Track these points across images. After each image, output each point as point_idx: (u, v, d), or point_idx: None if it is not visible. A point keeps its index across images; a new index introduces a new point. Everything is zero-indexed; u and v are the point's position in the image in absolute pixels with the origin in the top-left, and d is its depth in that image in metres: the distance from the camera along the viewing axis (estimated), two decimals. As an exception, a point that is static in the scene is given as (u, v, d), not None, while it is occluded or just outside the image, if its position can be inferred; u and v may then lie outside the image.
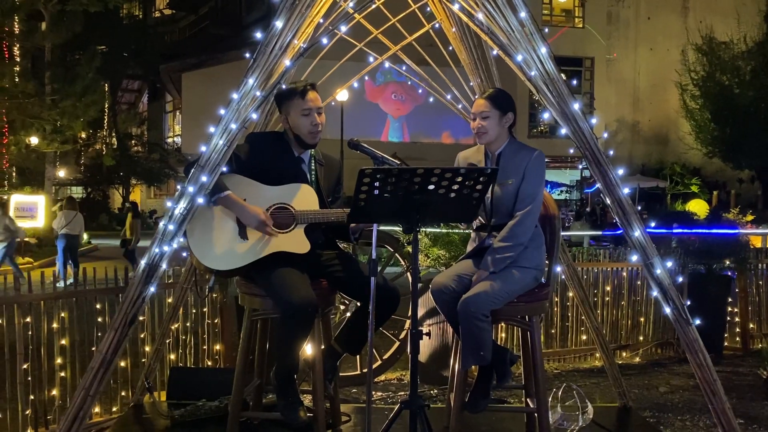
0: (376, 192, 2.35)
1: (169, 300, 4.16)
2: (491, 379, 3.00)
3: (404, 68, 3.90)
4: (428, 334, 2.94)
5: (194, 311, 4.60)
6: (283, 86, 2.94)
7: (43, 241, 17.08)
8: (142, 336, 4.30)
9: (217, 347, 4.71)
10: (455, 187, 2.39)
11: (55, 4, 18.56)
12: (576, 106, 2.87)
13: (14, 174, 19.89)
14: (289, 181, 2.97)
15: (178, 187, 2.77)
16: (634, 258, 2.93)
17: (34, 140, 17.79)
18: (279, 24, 2.72)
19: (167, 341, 4.21)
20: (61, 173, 30.19)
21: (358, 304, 3.11)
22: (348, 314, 4.44)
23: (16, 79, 16.92)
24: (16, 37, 17.79)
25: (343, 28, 3.14)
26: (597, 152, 2.87)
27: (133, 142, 35.21)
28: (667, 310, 2.96)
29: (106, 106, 28.44)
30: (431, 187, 2.36)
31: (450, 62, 3.63)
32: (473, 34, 3.48)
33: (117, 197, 35.98)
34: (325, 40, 3.13)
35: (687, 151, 26.49)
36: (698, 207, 24.70)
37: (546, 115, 2.98)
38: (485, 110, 2.97)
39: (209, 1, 37.89)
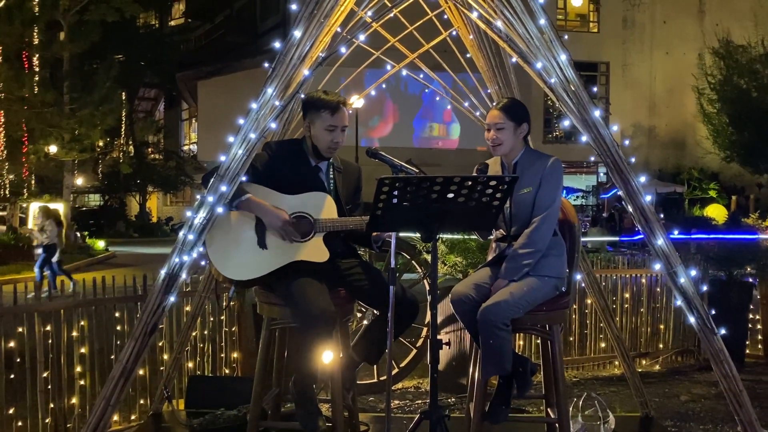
0: (395, 201, 2.35)
1: (188, 308, 4.16)
2: (511, 389, 2.97)
3: (421, 76, 3.90)
4: (448, 343, 2.92)
5: (212, 319, 4.61)
6: (317, 95, 2.93)
7: (62, 249, 17.22)
8: (160, 344, 4.31)
9: (235, 355, 4.71)
10: (474, 195, 2.38)
11: (74, 14, 18.82)
12: (597, 113, 2.85)
13: (33, 182, 20.13)
14: (307, 190, 2.97)
15: (197, 196, 2.79)
16: (657, 267, 2.89)
17: (53, 149, 18.00)
18: (297, 34, 2.73)
19: (186, 349, 4.21)
20: (79, 181, 30.59)
21: (376, 312, 3.10)
22: (365, 322, 4.42)
23: (35, 89, 17.15)
24: (35, 47, 18.03)
25: (361, 37, 3.14)
26: (619, 160, 2.84)
27: (149, 149, 35.53)
28: (692, 319, 2.92)
29: (123, 114, 28.72)
30: (450, 195, 2.36)
31: (467, 69, 3.63)
32: (491, 42, 3.47)
33: (134, 205, 36.29)
34: (343, 49, 3.13)
35: (704, 156, 26.23)
36: (717, 212, 24.46)
37: (566, 123, 2.96)
38: (500, 121, 2.95)
39: (225, 10, 38.25)
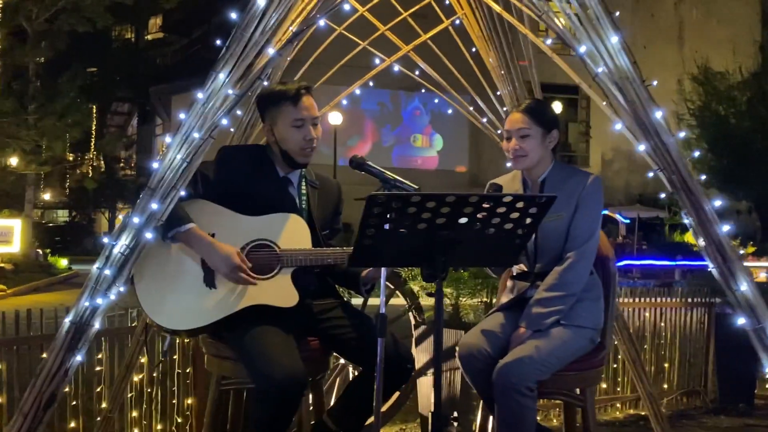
0: (389, 226, 1.72)
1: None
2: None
3: (417, 73, 3.28)
4: (457, 419, 2.29)
5: (162, 359, 3.95)
6: (267, 85, 2.30)
7: (20, 267, 16.38)
8: (98, 390, 3.67)
9: (189, 401, 4.06)
10: (495, 220, 1.77)
11: (42, 22, 18.11)
12: (659, 114, 2.24)
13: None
14: (273, 209, 2.31)
15: (119, 216, 2.12)
16: (741, 321, 2.31)
17: (13, 161, 17.15)
18: (261, 2, 2.09)
19: (129, 395, 3.57)
20: (47, 196, 29.57)
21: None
22: (342, 364, 3.77)
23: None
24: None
25: (346, 6, 2.50)
26: (687, 177, 2.24)
27: (121, 164, 34.73)
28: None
29: (93, 127, 27.99)
30: (463, 220, 1.74)
31: (474, 67, 3.03)
32: (506, 31, 2.86)
33: (103, 221, 35.40)
34: (321, 22, 2.46)
35: (684, 182, 26.40)
36: (697, 238, 24.45)
37: (618, 126, 2.35)
38: (524, 127, 2.35)
39: (202, 26, 37.68)
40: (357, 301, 3.32)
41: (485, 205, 1.72)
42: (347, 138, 25.67)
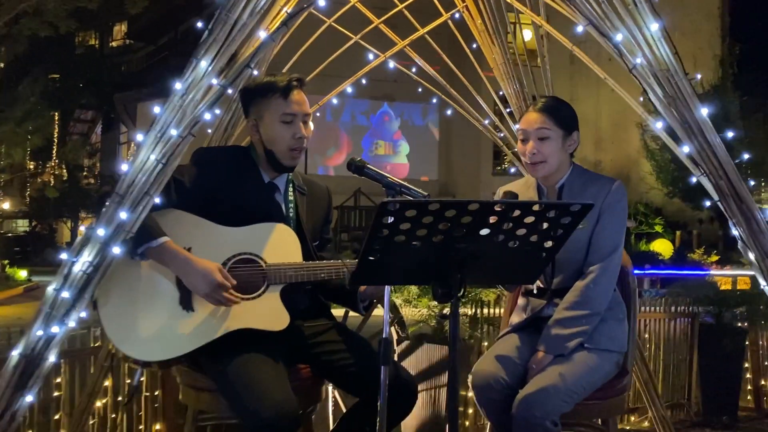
0: (400, 238, 1.50)
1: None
2: None
3: (414, 70, 3.08)
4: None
5: (128, 381, 3.69)
6: (257, 75, 2.07)
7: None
8: (56, 417, 3.41)
9: (158, 427, 3.81)
10: (521, 231, 1.56)
11: (0, 26, 17.51)
12: (704, 111, 2.05)
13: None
14: (257, 219, 2.08)
15: (81, 228, 1.84)
16: None
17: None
18: (249, -23, 1.84)
19: (91, 422, 3.32)
20: (6, 205, 28.65)
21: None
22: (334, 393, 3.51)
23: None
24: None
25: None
26: (737, 182, 2.03)
27: (84, 173, 33.95)
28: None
29: (55, 135, 27.30)
30: (485, 231, 1.53)
31: (475, 64, 2.84)
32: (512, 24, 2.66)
33: (66, 231, 34.48)
34: (322, 1, 2.21)
35: (648, 191, 26.85)
36: (663, 247, 24.73)
37: (659, 125, 2.16)
38: (544, 127, 2.16)
39: (168, 32, 37.09)
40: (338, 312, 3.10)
41: (512, 215, 1.51)
42: (326, 149, 25.46)
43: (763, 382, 6.03)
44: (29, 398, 1.87)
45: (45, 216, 32.42)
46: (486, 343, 4.03)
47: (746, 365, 6.01)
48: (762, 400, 5.95)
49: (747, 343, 6.05)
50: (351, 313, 2.71)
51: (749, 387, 5.98)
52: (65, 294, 1.86)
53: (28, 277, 19.12)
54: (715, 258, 17.81)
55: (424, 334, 4.27)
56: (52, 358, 1.89)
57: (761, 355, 6.02)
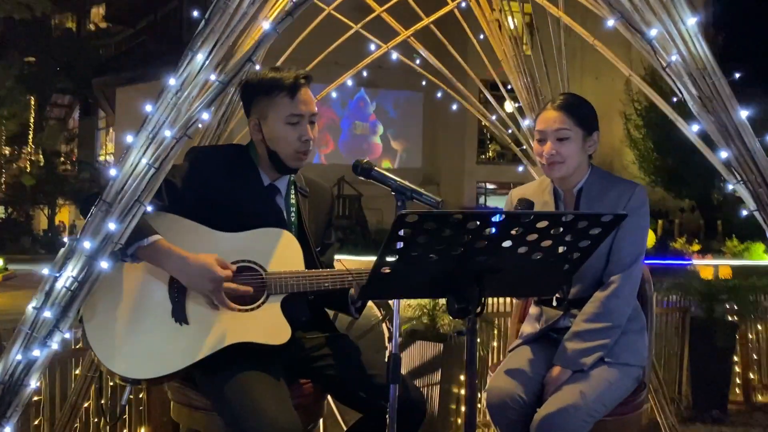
0: (416, 252, 1.37)
1: (77, 372, 3.11)
2: None
3: (417, 62, 2.93)
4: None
5: (111, 384, 3.54)
6: (263, 73, 1.91)
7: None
8: (36, 423, 3.26)
9: (142, 431, 3.68)
10: (546, 243, 1.44)
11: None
12: (743, 114, 1.92)
13: None
14: (257, 223, 1.92)
15: (64, 239, 1.67)
16: None
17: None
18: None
19: (75, 426, 3.18)
20: (-20, 192, 28.12)
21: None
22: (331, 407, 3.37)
23: None
24: None
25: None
26: None
27: (61, 159, 33.41)
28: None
29: (31, 120, 26.77)
30: (507, 244, 1.41)
31: (483, 56, 2.70)
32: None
33: (42, 218, 33.94)
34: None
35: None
36: (645, 236, 25.05)
37: (695, 128, 2.04)
38: (563, 127, 2.02)
39: (148, 16, 36.41)
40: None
41: (539, 226, 1.39)
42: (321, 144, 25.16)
43: (752, 376, 6.03)
44: (7, 430, 1.70)
45: (21, 203, 31.87)
46: (479, 340, 3.94)
47: (735, 359, 6.01)
48: (751, 394, 5.95)
49: (738, 336, 6.05)
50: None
51: (737, 381, 5.99)
52: (47, 313, 1.67)
53: (5, 265, 18.72)
54: (697, 247, 17.97)
55: (416, 330, 4.16)
56: (32, 384, 1.71)
57: (750, 348, 6.02)
